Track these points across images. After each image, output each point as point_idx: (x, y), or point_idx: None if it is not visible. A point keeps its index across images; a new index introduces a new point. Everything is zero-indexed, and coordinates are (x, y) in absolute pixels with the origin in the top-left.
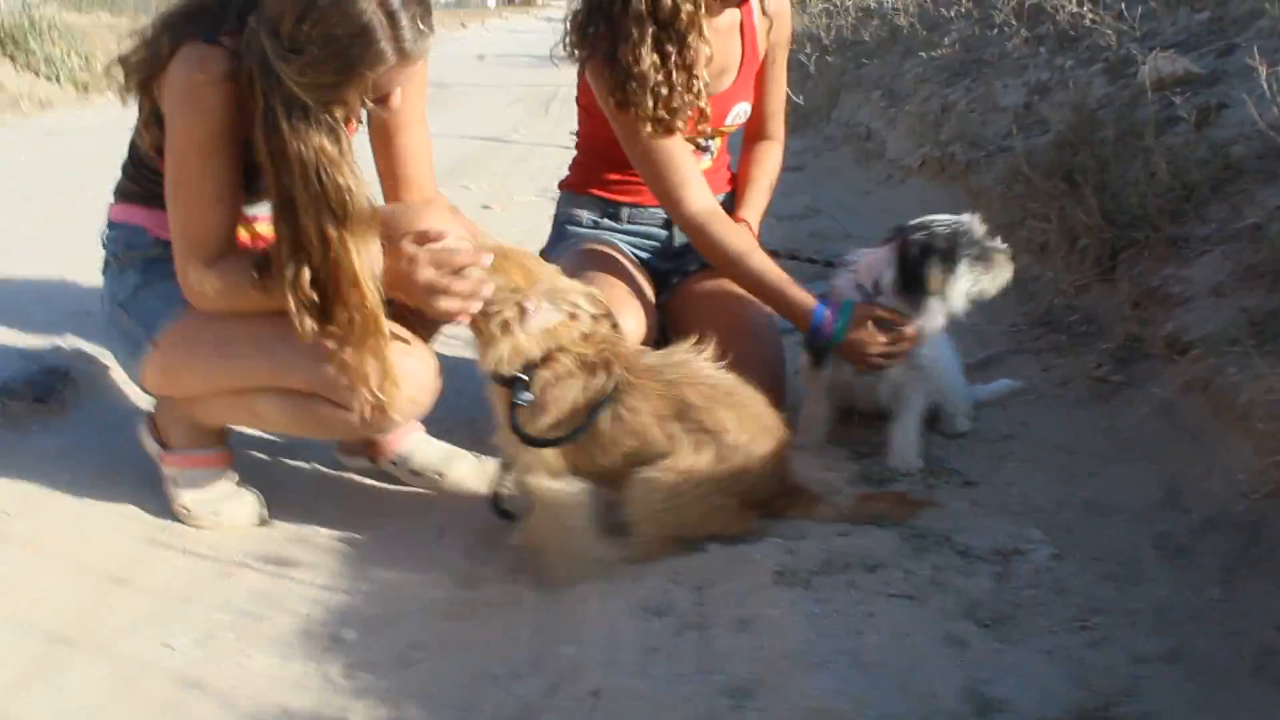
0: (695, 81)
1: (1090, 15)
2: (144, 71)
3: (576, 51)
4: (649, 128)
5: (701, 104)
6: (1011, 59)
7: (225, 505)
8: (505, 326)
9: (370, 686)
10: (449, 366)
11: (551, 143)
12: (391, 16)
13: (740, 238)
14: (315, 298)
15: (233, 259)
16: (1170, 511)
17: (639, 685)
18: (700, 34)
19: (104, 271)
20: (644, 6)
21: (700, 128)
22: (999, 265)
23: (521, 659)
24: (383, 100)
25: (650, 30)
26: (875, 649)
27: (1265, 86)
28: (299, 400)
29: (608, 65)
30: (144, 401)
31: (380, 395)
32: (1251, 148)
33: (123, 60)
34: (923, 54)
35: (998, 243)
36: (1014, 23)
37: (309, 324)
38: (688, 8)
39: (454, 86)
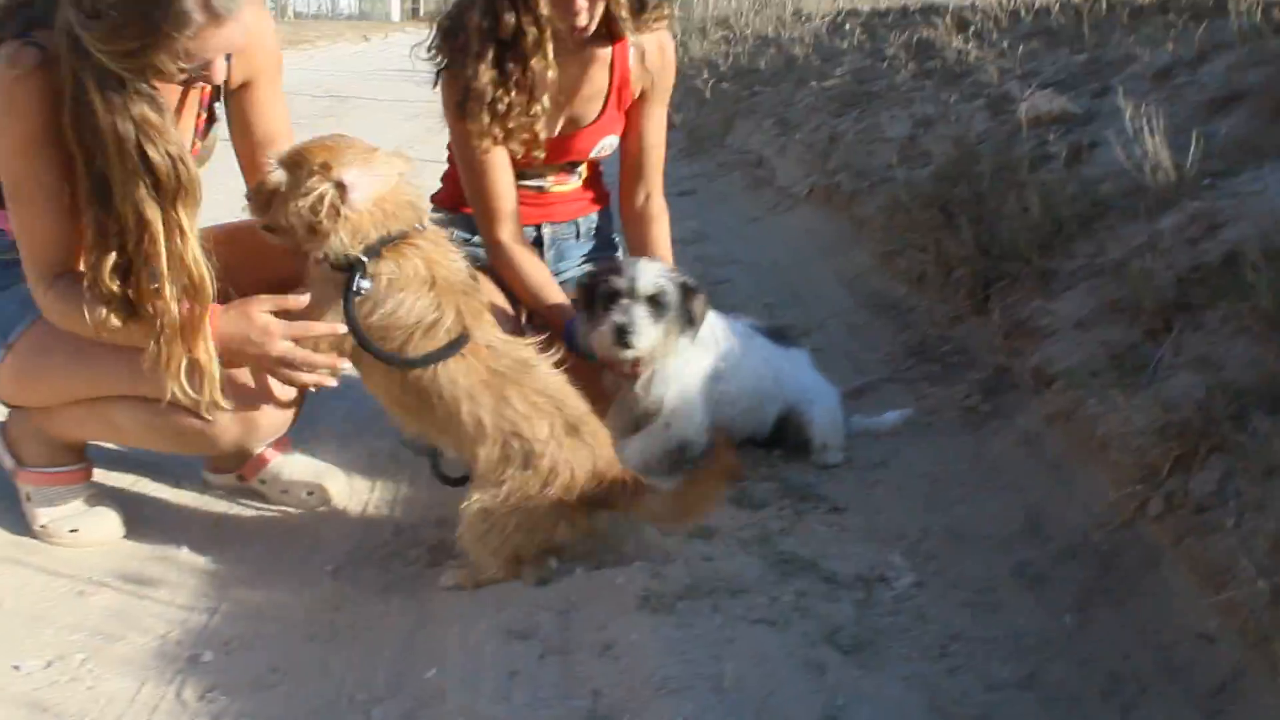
0: (534, 104)
1: (975, 52)
2: None
3: (437, 58)
4: (483, 143)
5: (538, 128)
6: (899, 92)
7: (84, 522)
8: (332, 211)
9: (226, 710)
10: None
11: (445, 160)
12: None
13: (529, 266)
14: (117, 289)
15: (73, 280)
16: (1030, 540)
17: (499, 710)
18: (544, 58)
19: None
20: (487, 24)
21: (551, 161)
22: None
23: (381, 682)
24: (205, 69)
25: (492, 48)
26: (735, 674)
27: (1129, 127)
28: (157, 410)
29: (453, 76)
30: None
31: (194, 394)
32: (1118, 185)
33: None
34: (815, 84)
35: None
36: (903, 57)
37: (108, 318)
38: (532, 31)
39: (352, 100)
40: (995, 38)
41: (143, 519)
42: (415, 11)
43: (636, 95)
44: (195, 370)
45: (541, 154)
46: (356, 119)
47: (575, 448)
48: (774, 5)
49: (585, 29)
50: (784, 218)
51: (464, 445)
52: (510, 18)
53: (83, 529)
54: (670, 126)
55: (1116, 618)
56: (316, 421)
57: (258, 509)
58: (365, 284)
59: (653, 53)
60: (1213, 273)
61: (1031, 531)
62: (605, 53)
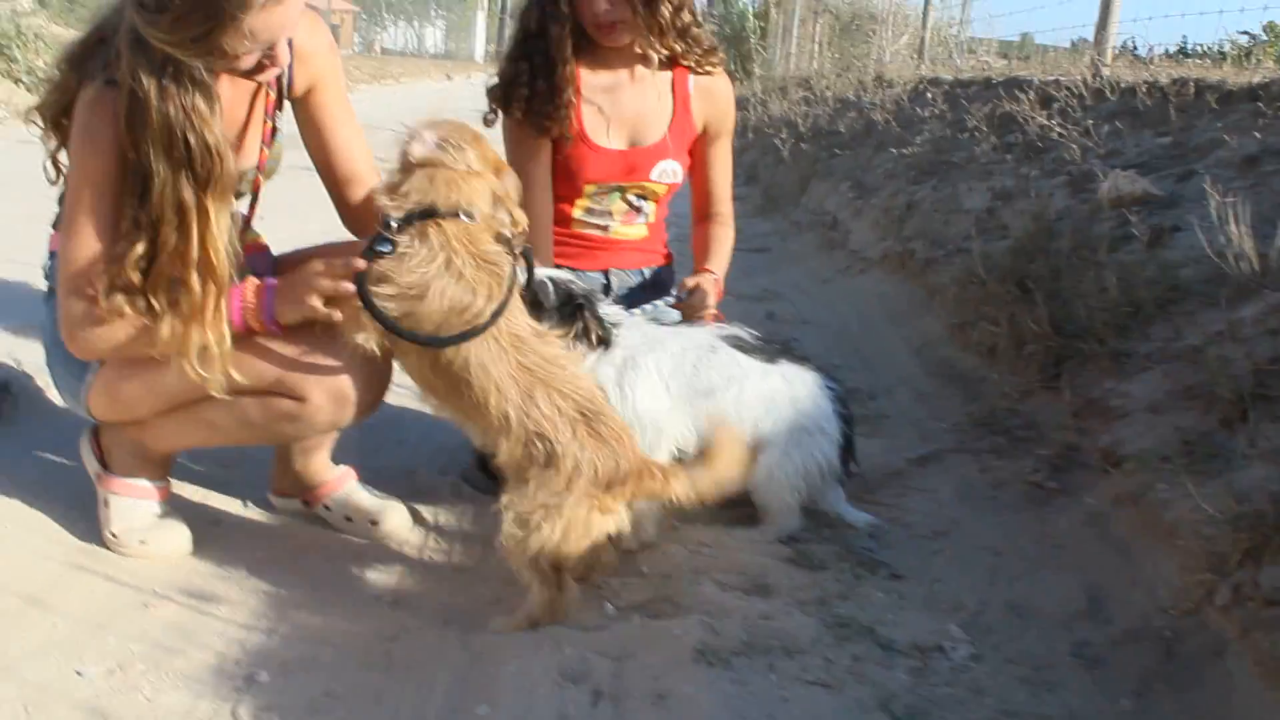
0: (560, 96)
1: (1058, 129)
2: (55, 109)
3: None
4: (500, 114)
5: (566, 118)
6: (979, 164)
7: (154, 535)
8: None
9: None
10: (387, 416)
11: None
12: None
13: None
14: (136, 280)
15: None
16: (1091, 620)
17: None
18: (564, 58)
19: (46, 301)
20: (522, 24)
21: (625, 184)
22: None
23: (434, 716)
24: (271, 53)
25: (523, 42)
26: None
27: (1215, 214)
28: (252, 400)
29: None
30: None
31: (202, 373)
32: (1198, 271)
33: (39, 107)
34: (894, 150)
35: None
36: (984, 129)
37: (121, 305)
38: (554, 29)
39: None
40: (1079, 115)
41: (208, 537)
42: (499, 53)
43: (700, 130)
44: (207, 352)
45: (569, 136)
46: None
47: (598, 447)
48: (856, 69)
49: (611, 27)
50: (856, 281)
51: (489, 435)
52: (538, 12)
53: (151, 542)
54: (745, 182)
55: (1176, 706)
56: (380, 455)
57: (320, 535)
58: (384, 248)
59: (713, 90)
60: None
61: (1093, 612)
62: (664, 77)
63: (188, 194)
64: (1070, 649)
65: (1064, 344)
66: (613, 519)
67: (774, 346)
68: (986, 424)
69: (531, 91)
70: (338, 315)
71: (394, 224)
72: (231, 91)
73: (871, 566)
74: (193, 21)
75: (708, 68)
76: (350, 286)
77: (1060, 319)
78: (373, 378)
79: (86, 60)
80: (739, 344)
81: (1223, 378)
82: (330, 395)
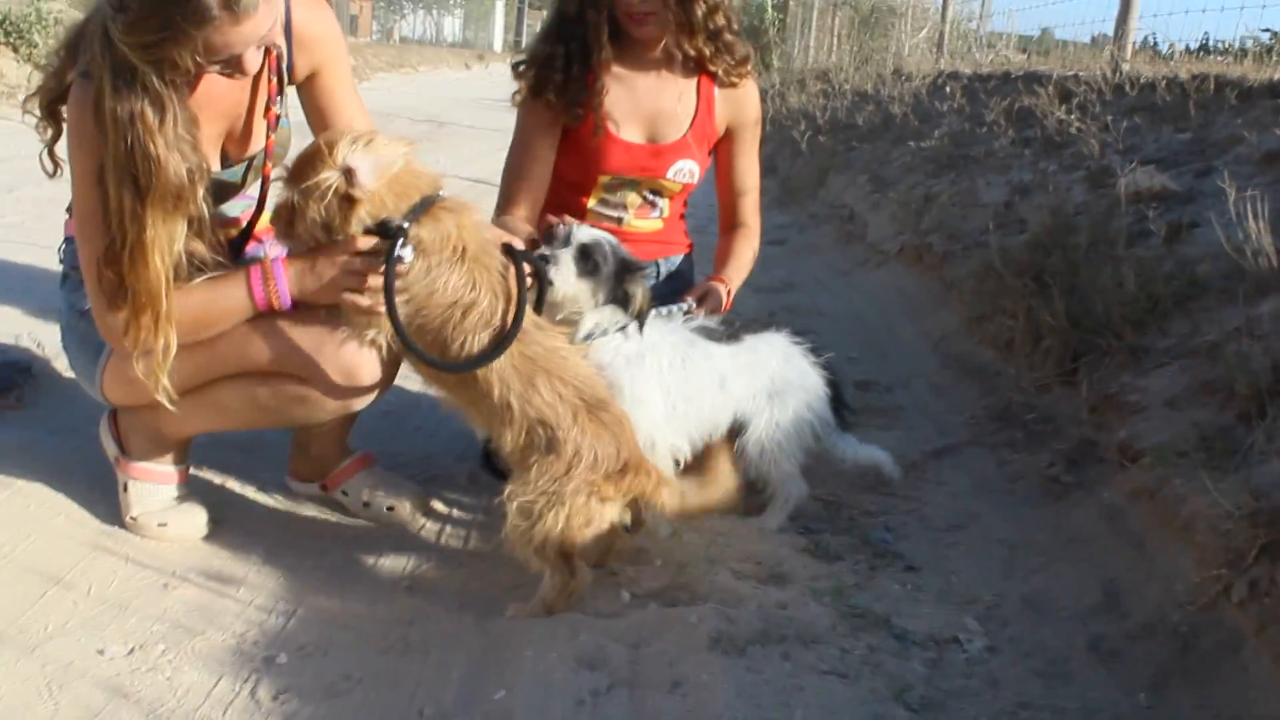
0: (594, 83)
1: (1077, 124)
2: (50, 97)
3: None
4: (517, 97)
5: (600, 105)
6: (997, 158)
7: (173, 517)
8: (345, 202)
9: (297, 713)
10: (404, 402)
11: None
12: None
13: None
14: (112, 275)
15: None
16: (1107, 614)
17: None
18: (600, 43)
19: (62, 285)
20: (557, 8)
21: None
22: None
23: (451, 700)
24: (234, 64)
25: (559, 26)
26: None
27: (1233, 210)
28: (263, 381)
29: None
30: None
31: (144, 377)
32: (1217, 267)
33: (35, 95)
34: (912, 143)
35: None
36: (1003, 123)
37: (109, 316)
38: (591, 15)
39: (450, 125)
40: (1098, 110)
41: (227, 520)
42: (518, 43)
43: (721, 132)
44: (149, 356)
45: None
46: (453, 145)
47: (598, 433)
48: (874, 62)
49: (644, 18)
50: (873, 274)
51: (492, 425)
52: (575, 4)
53: (171, 524)
54: (764, 174)
55: (1192, 700)
56: (397, 441)
57: (338, 519)
58: (407, 252)
59: (740, 95)
60: None
61: (1109, 606)
62: (690, 82)
63: (128, 199)
64: (1086, 643)
65: (1081, 338)
66: (613, 506)
67: (736, 324)
68: (1003, 418)
69: (566, 77)
70: (365, 302)
71: (406, 226)
72: (229, 81)
73: (887, 558)
74: (147, 28)
75: (734, 78)
76: (382, 308)
77: (1078, 314)
78: (381, 360)
79: (78, 48)
80: (709, 335)
81: (1240, 373)
82: (339, 377)
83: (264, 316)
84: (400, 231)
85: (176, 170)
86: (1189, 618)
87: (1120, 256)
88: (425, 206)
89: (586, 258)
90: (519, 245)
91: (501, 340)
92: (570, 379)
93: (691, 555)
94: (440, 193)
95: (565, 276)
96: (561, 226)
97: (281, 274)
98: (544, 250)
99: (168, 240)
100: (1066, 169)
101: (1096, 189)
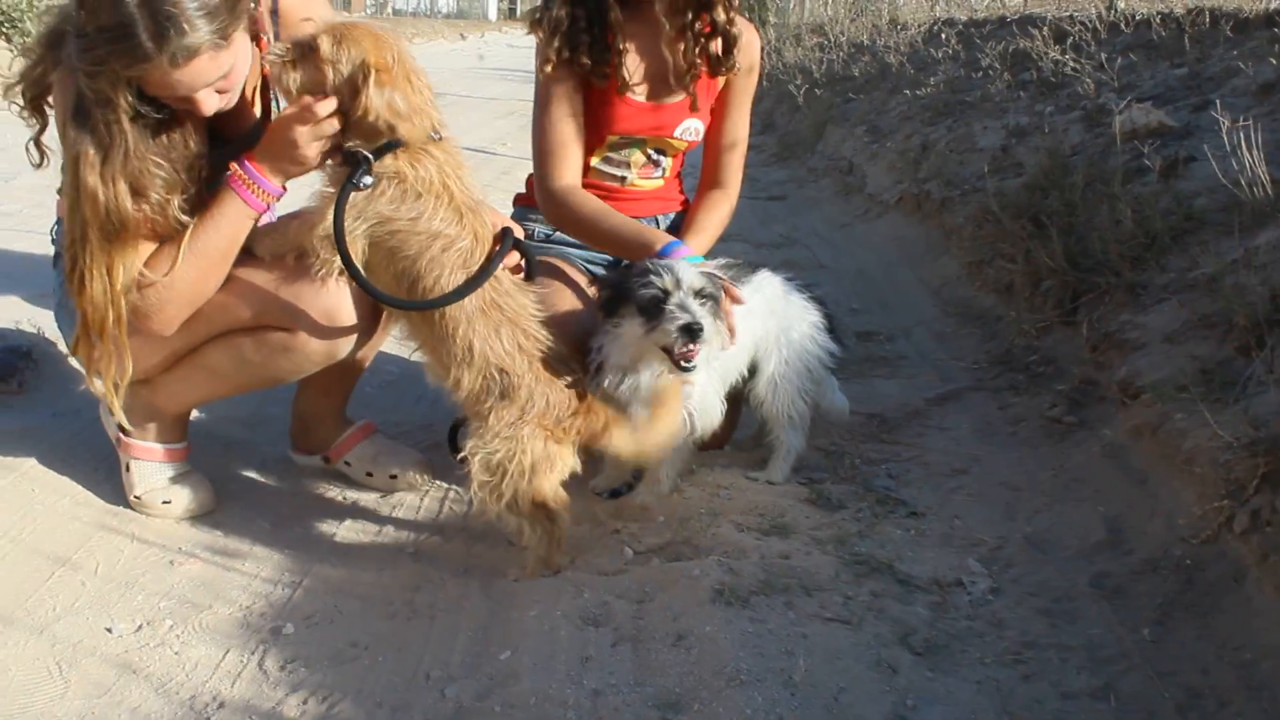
0: (612, 44)
1: (1072, 64)
2: (34, 90)
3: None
4: (549, 68)
5: (621, 65)
6: (993, 102)
7: (176, 494)
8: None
9: (305, 681)
10: (407, 373)
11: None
12: (156, 14)
13: (594, 203)
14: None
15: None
16: (1111, 551)
17: (571, 693)
18: (611, 2)
19: (55, 265)
20: None
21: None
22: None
23: (457, 662)
24: (189, 104)
25: None
26: (806, 670)
27: (1228, 142)
28: (248, 334)
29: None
30: None
31: (94, 388)
32: (1213, 200)
33: (15, 84)
34: (909, 92)
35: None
36: (998, 67)
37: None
38: None
39: (447, 96)
40: (1093, 49)
41: (231, 495)
42: (512, 12)
43: (720, 86)
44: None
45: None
46: (451, 115)
47: (550, 382)
48: (869, 13)
49: None
50: (873, 224)
51: (450, 367)
52: None
53: (175, 501)
54: (762, 130)
55: (1196, 633)
56: (399, 410)
57: (341, 489)
58: (367, 179)
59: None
60: None
61: (1112, 543)
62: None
63: (78, 222)
64: (1090, 580)
65: (1080, 278)
66: (567, 448)
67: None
68: (1004, 361)
69: (591, 38)
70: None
71: (371, 158)
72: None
73: (890, 504)
74: (90, 59)
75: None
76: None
77: (1076, 254)
78: (359, 300)
79: (60, 48)
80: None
81: (1239, 305)
82: (320, 318)
83: (243, 269)
84: (364, 159)
85: (112, 202)
86: (1192, 551)
87: (1117, 195)
88: (393, 147)
89: (704, 296)
90: (518, 233)
91: (468, 283)
92: (533, 333)
93: (693, 510)
94: (436, 133)
95: (710, 328)
96: (655, 278)
97: (255, 171)
98: (684, 318)
99: (106, 272)
100: (1063, 110)
101: (1093, 128)
